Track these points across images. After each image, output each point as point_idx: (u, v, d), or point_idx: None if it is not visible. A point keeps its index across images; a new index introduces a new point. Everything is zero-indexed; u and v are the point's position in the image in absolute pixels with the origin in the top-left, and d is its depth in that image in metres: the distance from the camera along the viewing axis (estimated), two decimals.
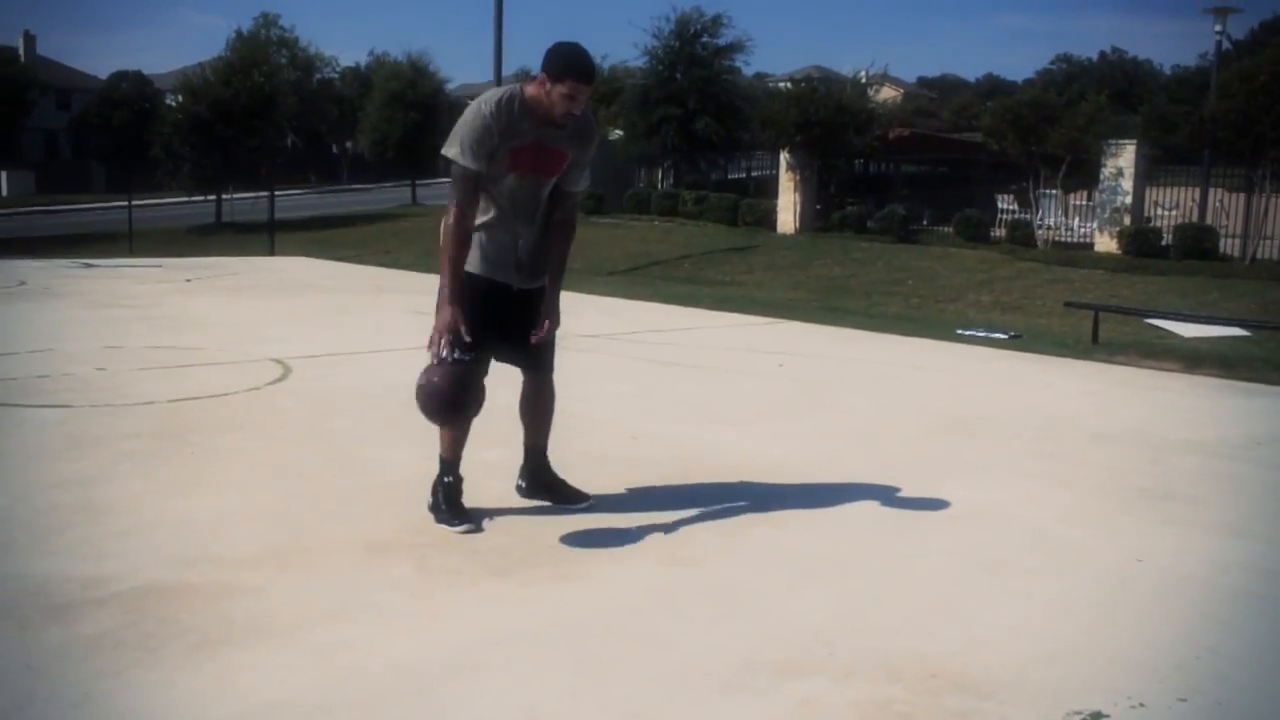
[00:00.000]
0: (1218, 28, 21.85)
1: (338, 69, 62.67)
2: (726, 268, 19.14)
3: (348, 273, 18.10)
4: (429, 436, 6.24)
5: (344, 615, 3.61)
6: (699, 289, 16.52)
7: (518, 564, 4.18)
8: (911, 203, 27.57)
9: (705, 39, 29.55)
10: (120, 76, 56.42)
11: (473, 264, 4.32)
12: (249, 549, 4.20)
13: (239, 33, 52.35)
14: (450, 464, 4.61)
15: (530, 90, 4.18)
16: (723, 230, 23.34)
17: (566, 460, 5.12)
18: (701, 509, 5.02)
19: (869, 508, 5.15)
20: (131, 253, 22.32)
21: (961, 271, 17.86)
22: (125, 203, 26.17)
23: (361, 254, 22.69)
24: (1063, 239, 21.40)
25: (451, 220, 4.18)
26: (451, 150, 4.14)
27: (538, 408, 4.78)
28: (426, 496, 4.77)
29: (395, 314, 12.40)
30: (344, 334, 10.38)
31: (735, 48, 29.88)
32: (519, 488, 4.93)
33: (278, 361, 8.58)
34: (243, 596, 3.73)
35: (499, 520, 4.70)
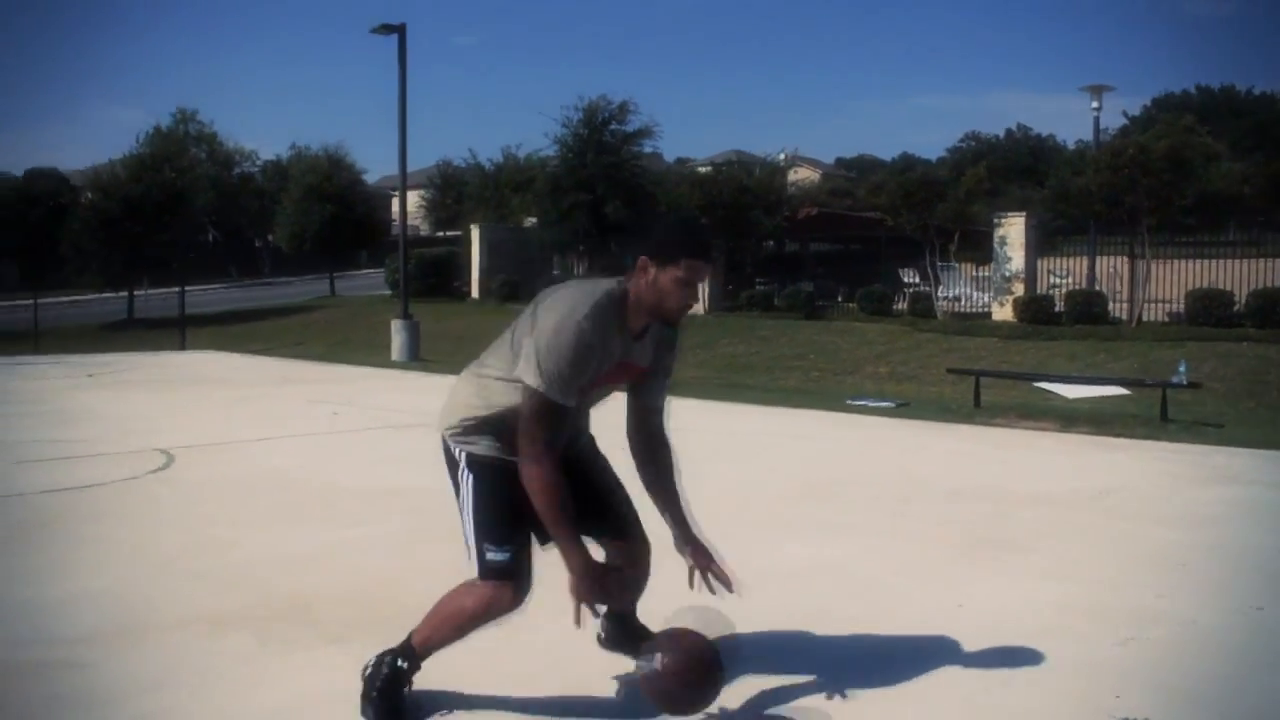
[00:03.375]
0: (1094, 104, 22.90)
1: (258, 162, 62.76)
2: None
3: (255, 365, 18.13)
4: (293, 516, 6.40)
5: (169, 684, 3.72)
6: None
7: (357, 631, 4.31)
8: (825, 280, 28.14)
9: (614, 126, 30.18)
10: (36, 173, 56.08)
11: (488, 447, 3.34)
12: (87, 628, 4.29)
13: (156, 129, 52.48)
14: (416, 652, 3.53)
15: (630, 290, 3.17)
16: None
17: (435, 531, 5.26)
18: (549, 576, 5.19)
19: None
20: (36, 349, 22.13)
21: (863, 345, 18.32)
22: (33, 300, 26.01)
23: (273, 346, 22.71)
24: (964, 310, 22.03)
25: (538, 473, 3.11)
26: (535, 378, 3.06)
27: (637, 578, 3.66)
28: (284, 577, 4.89)
29: (294, 403, 12.48)
30: (236, 423, 10.45)
31: (643, 133, 30.50)
32: (599, 638, 3.90)
33: (162, 451, 8.64)
34: (70, 673, 3.82)
35: (345, 593, 4.83)
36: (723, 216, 23.62)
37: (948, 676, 3.92)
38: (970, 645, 4.26)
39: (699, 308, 24.00)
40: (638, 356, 3.30)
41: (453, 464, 3.42)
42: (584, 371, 3.08)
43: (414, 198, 45.24)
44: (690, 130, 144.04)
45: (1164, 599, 4.95)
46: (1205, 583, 5.27)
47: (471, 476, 3.35)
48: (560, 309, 3.07)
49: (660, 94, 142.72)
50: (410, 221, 48.00)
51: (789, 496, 7.22)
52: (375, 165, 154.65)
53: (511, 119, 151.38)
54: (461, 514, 3.41)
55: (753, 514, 6.65)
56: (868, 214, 27.89)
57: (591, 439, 3.65)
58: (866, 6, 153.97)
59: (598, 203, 28.47)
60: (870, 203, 24.30)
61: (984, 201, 25.15)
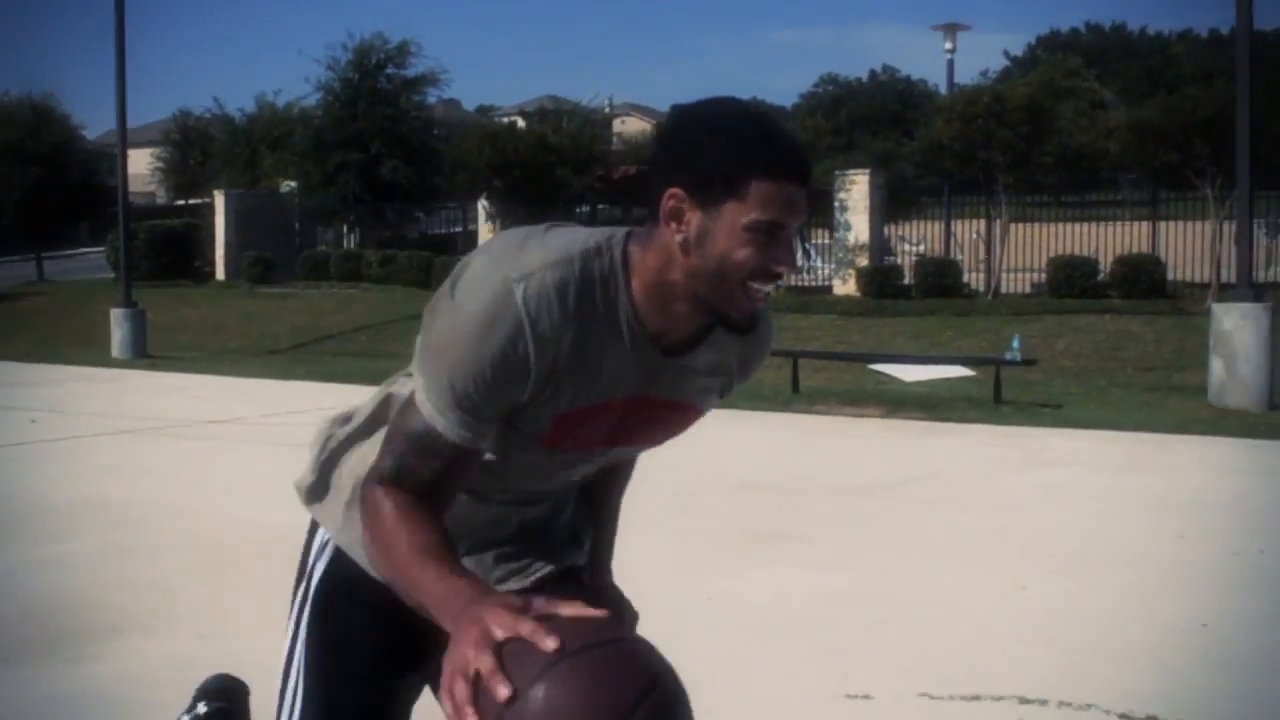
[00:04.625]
0: (948, 45, 24.16)
1: None
2: (412, 338, 19.70)
3: None
4: None
5: None
6: (372, 364, 17.11)
7: (34, 652, 4.71)
8: None
9: (391, 70, 30.38)
10: None
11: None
12: None
13: None
14: None
15: (643, 259, 1.85)
16: (414, 295, 23.95)
17: (139, 546, 5.67)
18: (263, 588, 5.67)
19: None
20: None
21: None
22: None
23: None
24: (804, 282, 23.07)
25: (377, 499, 1.86)
26: (426, 390, 1.84)
27: None
28: None
29: None
30: None
31: (427, 80, 30.81)
32: None
33: None
34: None
35: (25, 613, 5.21)
36: (519, 178, 24.15)
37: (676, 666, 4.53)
38: (707, 637, 4.90)
39: None
40: (681, 390, 2.00)
41: (301, 567, 2.29)
42: (502, 393, 1.81)
43: (145, 157, 44.42)
44: (502, 73, 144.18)
45: (934, 584, 5.70)
46: (983, 567, 6.05)
47: (308, 606, 2.23)
48: (484, 261, 1.83)
49: (460, 30, 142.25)
50: (143, 186, 47.06)
51: None
52: (97, 119, 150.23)
53: (267, 60, 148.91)
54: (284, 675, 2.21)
55: None
56: None
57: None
58: None
59: (371, 162, 28.64)
60: None
61: (834, 157, 26.31)
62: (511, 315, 1.75)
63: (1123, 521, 7.20)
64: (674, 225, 1.78)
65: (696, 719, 1.66)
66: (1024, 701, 4.24)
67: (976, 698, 4.28)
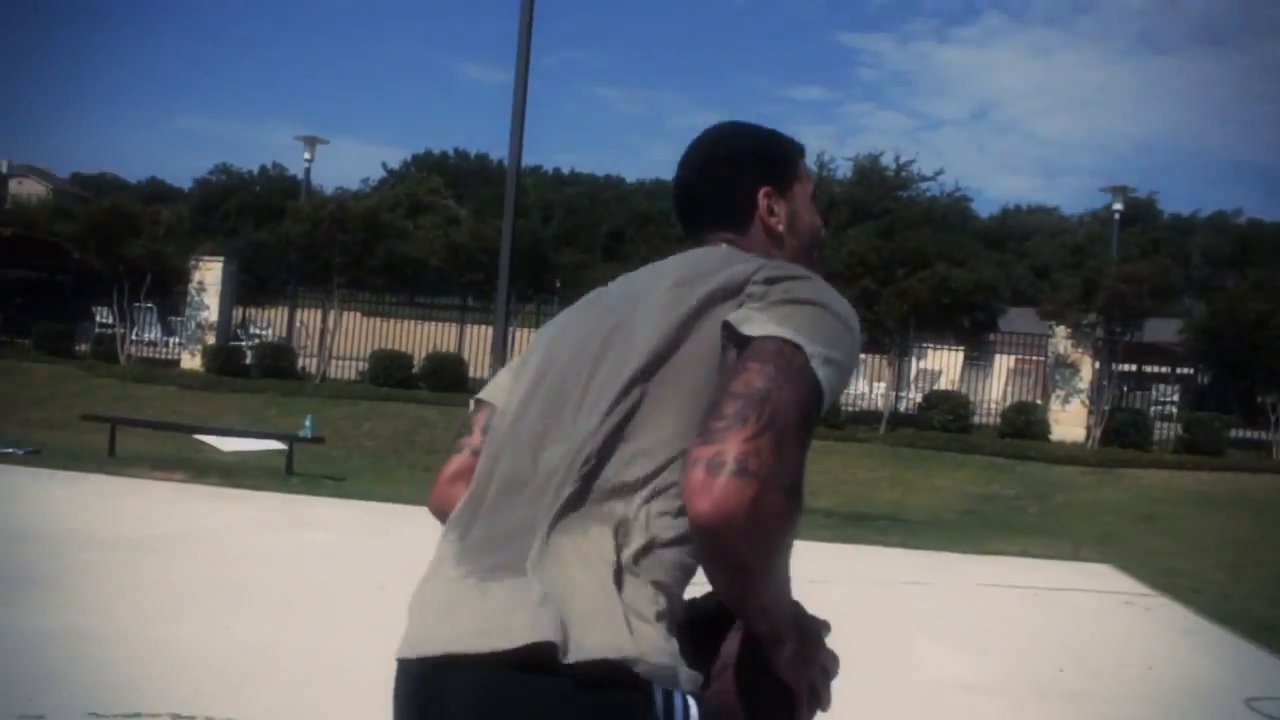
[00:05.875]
0: (306, 155, 24.82)
1: None
2: None
3: None
4: None
5: None
6: None
7: None
8: (27, 313, 27.31)
9: None
10: None
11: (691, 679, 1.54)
12: None
13: None
14: None
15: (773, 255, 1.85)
16: None
17: None
18: None
19: None
20: None
21: (26, 388, 18.37)
22: None
23: None
24: (159, 355, 22.74)
25: (788, 524, 1.48)
26: (809, 340, 1.55)
27: None
28: None
29: None
30: None
31: None
32: None
33: None
34: None
35: None
36: None
37: None
38: None
39: None
40: None
41: None
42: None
43: None
44: None
45: (148, 622, 6.17)
46: (202, 610, 6.59)
47: None
48: (810, 276, 1.69)
49: None
50: None
51: None
52: None
53: None
54: None
55: None
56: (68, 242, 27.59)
57: None
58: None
59: None
60: (58, 231, 24.28)
61: (198, 244, 26.21)
62: (853, 317, 1.68)
63: (340, 576, 8.00)
64: (774, 218, 1.87)
65: None
66: (177, 716, 4.82)
67: (138, 714, 4.81)
